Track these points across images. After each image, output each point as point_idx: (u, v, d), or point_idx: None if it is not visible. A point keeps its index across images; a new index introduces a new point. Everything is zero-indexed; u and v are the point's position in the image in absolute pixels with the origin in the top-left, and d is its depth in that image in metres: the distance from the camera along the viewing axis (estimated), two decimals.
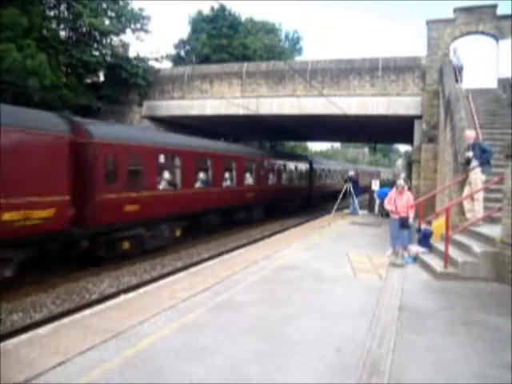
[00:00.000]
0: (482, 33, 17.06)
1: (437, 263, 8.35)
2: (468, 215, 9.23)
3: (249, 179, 19.32)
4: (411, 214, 9.67)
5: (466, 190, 9.33)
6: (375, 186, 20.69)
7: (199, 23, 34.73)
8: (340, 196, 20.74)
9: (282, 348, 4.75)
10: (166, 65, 26.55)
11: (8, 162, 8.25)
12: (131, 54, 23.17)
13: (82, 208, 10.05)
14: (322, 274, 8.19)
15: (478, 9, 16.95)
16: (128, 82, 21.22)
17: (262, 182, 20.53)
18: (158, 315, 5.74)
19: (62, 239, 9.90)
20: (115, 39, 22.81)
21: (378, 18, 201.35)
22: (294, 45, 49.01)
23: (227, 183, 17.30)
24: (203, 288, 7.08)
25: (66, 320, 5.75)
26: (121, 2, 22.51)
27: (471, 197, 9.06)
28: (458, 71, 16.03)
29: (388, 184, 20.27)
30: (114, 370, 4.15)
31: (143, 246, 12.49)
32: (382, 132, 26.27)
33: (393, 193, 9.96)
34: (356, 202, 20.05)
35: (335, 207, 21.04)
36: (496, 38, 16.72)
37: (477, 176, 9.08)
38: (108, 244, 11.27)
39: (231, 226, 18.02)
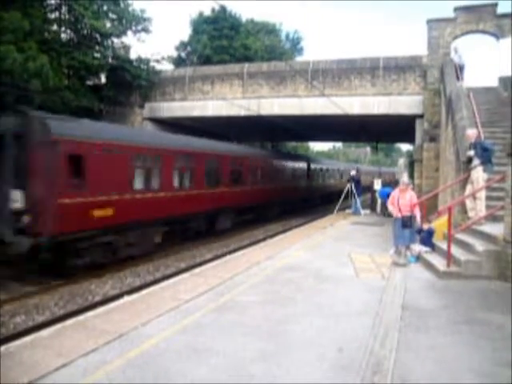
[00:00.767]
0: (483, 31, 17.05)
1: (439, 262, 8.35)
2: (470, 214, 9.22)
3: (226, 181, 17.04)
4: (418, 214, 9.32)
5: (468, 189, 9.31)
6: (377, 185, 20.72)
7: (200, 24, 34.73)
8: (342, 196, 20.73)
9: (286, 348, 4.75)
10: (168, 67, 26.54)
11: None
12: (132, 55, 23.25)
13: (42, 214, 9.17)
14: (325, 273, 8.20)
15: (478, 8, 16.93)
16: (131, 84, 21.24)
17: (248, 184, 18.81)
18: (161, 316, 5.74)
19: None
20: (116, 41, 22.87)
21: (378, 18, 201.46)
22: (295, 45, 49.00)
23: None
24: (206, 289, 7.09)
25: (69, 322, 5.77)
26: (122, 4, 22.53)
27: (473, 195, 9.05)
28: (459, 70, 16.01)
29: (390, 184, 20.27)
30: (117, 372, 4.16)
31: (116, 254, 11.56)
32: (384, 131, 26.26)
33: (396, 192, 9.68)
34: (358, 201, 20.04)
35: (337, 207, 21.05)
36: (496, 36, 16.70)
37: (479, 174, 9.06)
38: (73, 254, 10.32)
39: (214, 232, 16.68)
